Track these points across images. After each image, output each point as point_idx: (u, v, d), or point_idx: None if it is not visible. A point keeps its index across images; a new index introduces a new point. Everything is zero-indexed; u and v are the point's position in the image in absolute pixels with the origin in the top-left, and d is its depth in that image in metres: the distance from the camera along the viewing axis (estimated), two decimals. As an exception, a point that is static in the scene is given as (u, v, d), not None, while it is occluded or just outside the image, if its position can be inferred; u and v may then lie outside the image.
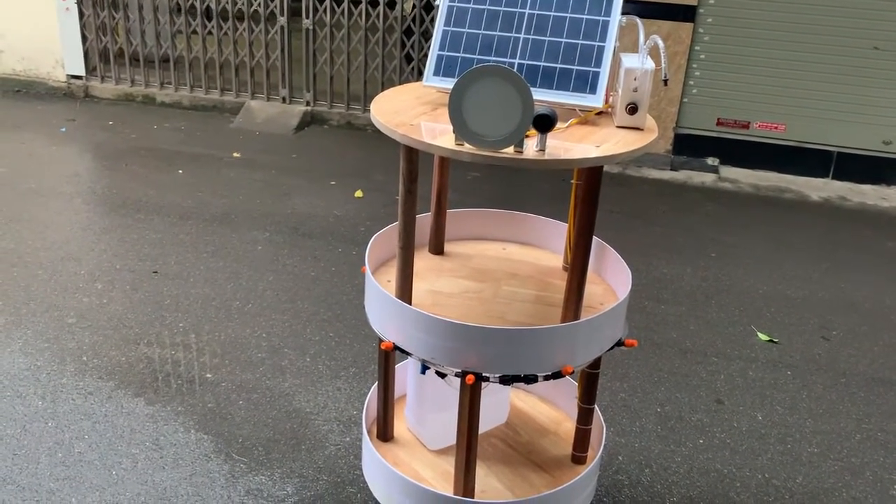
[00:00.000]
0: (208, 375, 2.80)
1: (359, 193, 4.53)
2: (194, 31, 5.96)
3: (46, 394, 2.66)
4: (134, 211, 4.12)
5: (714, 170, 5.26)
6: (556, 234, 2.13)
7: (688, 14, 5.00)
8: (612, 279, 1.99)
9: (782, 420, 2.74)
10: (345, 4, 5.58)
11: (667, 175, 5.16)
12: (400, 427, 2.11)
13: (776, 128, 5.22)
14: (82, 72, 6.21)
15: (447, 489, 1.88)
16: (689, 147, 5.32)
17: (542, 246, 2.17)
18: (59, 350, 2.90)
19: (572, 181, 1.88)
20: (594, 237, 1.80)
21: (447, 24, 1.72)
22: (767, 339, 3.24)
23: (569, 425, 2.16)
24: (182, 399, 2.67)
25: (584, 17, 1.63)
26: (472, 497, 1.84)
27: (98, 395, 2.66)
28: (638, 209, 4.57)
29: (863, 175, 5.17)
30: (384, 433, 2.06)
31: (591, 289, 1.93)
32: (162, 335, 3.03)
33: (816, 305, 3.54)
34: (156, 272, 3.50)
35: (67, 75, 6.25)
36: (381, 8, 5.54)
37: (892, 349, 3.22)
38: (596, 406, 2.00)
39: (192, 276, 3.47)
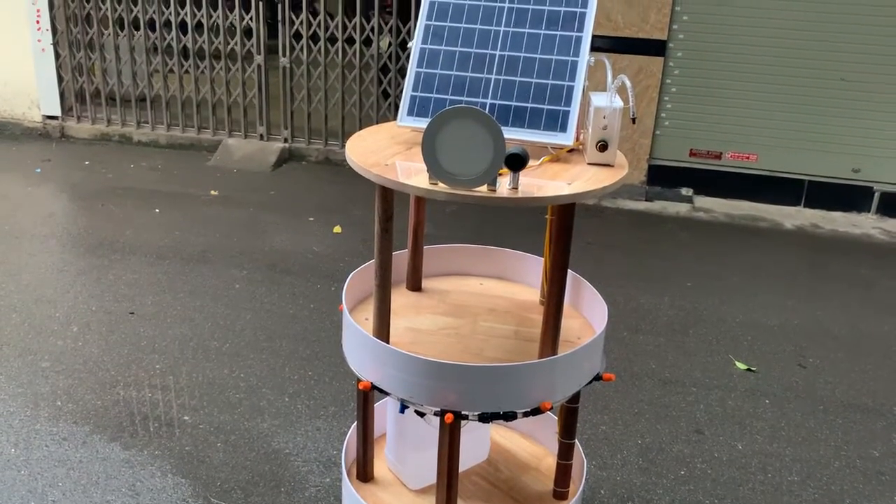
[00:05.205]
0: (186, 418, 2.77)
1: (337, 229, 4.53)
2: (171, 70, 5.99)
3: (19, 440, 2.61)
4: (110, 251, 4.09)
5: (688, 200, 5.33)
6: (533, 268, 2.14)
7: (658, 48, 5.10)
8: (588, 313, 2.00)
9: (762, 449, 2.75)
10: (321, 43, 5.64)
11: (642, 206, 5.22)
12: (380, 467, 2.09)
13: (748, 158, 5.31)
14: (58, 112, 6.20)
15: (428, 529, 1.86)
16: (663, 178, 5.39)
17: (519, 280, 2.18)
18: (33, 395, 2.85)
19: (547, 216, 1.90)
20: (570, 271, 1.82)
21: (420, 65, 1.75)
22: (745, 367, 3.26)
23: (550, 460, 2.15)
24: (159, 442, 2.63)
25: (554, 57, 1.67)
26: (454, 536, 1.83)
27: (73, 441, 2.61)
28: (614, 240, 4.61)
29: (834, 203, 5.26)
30: (364, 473, 2.04)
31: (568, 323, 1.94)
32: (139, 377, 2.99)
33: (792, 333, 3.58)
34: (132, 313, 3.46)
35: (43, 116, 6.23)
36: (357, 46, 5.60)
37: (867, 375, 3.26)
38: (577, 440, 1.99)
39: (169, 317, 3.44)
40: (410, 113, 1.75)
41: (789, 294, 3.98)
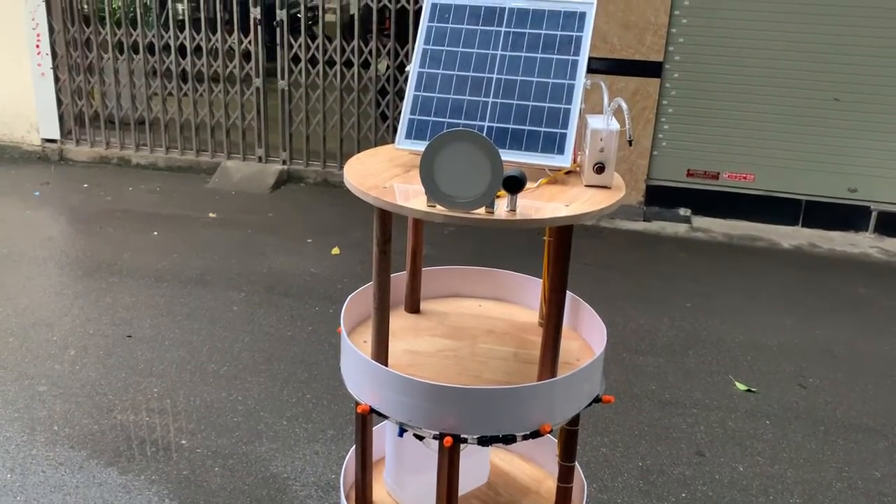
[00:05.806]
0: (183, 442, 2.75)
1: (335, 251, 4.53)
2: (170, 94, 6.02)
3: (16, 466, 2.58)
4: (108, 274, 4.09)
5: (686, 220, 5.34)
6: (531, 289, 2.14)
7: (655, 70, 5.14)
8: (587, 334, 2.00)
9: (763, 471, 2.73)
10: (319, 66, 5.68)
11: (640, 226, 5.23)
12: (379, 491, 2.07)
13: (745, 178, 5.33)
14: (57, 135, 6.22)
15: (428, 554, 1.84)
16: (660, 198, 5.40)
17: (518, 302, 2.17)
18: (30, 419, 2.83)
19: (545, 238, 1.90)
20: (568, 292, 1.81)
21: (417, 89, 1.75)
22: (745, 388, 3.25)
23: (550, 483, 2.13)
24: (156, 467, 2.61)
25: (551, 80, 1.68)
26: (454, 562, 1.80)
27: (69, 466, 2.59)
28: (613, 261, 4.62)
29: (831, 222, 5.28)
30: (363, 498, 2.02)
31: (567, 344, 1.93)
32: (136, 401, 2.98)
33: (792, 353, 3.57)
34: (130, 336, 3.45)
35: (42, 139, 6.26)
36: (355, 68, 5.64)
37: (868, 395, 3.24)
38: (577, 463, 1.98)
39: (166, 340, 3.43)
40: (408, 136, 1.75)
41: (788, 314, 3.98)
